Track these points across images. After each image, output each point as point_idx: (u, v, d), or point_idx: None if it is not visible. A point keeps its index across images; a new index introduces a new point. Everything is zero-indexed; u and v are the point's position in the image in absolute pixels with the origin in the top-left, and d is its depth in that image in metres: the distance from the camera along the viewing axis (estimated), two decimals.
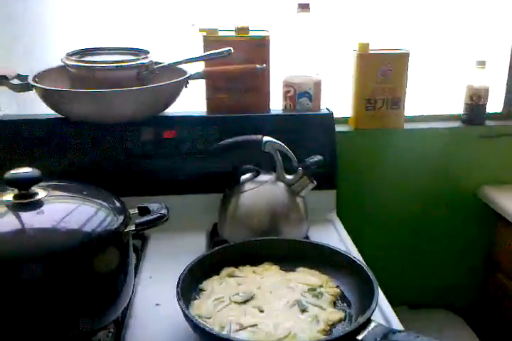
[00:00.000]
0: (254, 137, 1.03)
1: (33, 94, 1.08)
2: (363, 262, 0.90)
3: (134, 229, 0.75)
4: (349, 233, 1.13)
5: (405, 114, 1.33)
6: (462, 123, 1.39)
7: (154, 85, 1.05)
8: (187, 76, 1.11)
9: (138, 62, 1.08)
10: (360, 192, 1.37)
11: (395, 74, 1.28)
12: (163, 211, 0.79)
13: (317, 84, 1.24)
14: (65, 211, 0.74)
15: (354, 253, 1.04)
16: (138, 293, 0.91)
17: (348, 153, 1.30)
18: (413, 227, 1.44)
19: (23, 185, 0.73)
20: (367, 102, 1.30)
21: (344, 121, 1.36)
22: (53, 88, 1.05)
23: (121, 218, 0.75)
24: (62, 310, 0.69)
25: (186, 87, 1.13)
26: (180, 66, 1.15)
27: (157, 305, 0.86)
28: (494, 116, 1.42)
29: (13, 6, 1.21)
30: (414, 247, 1.46)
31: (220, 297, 0.82)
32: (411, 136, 1.36)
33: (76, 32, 1.24)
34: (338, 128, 1.31)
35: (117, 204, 0.79)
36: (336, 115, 1.23)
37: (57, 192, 0.78)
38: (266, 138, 1.02)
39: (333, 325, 0.78)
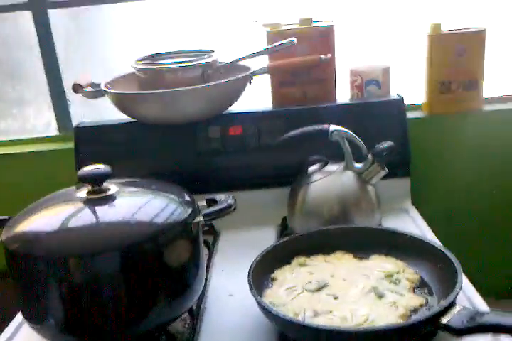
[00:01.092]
0: (320, 126, 1.01)
1: (107, 104, 1.13)
2: (442, 247, 0.86)
3: (202, 219, 0.77)
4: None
5: (484, 96, 1.26)
6: None
7: (218, 82, 1.07)
8: (251, 72, 1.12)
9: (202, 61, 1.11)
10: (435, 179, 1.30)
11: (471, 53, 1.21)
12: (230, 201, 0.80)
13: (385, 71, 1.20)
14: (134, 204, 0.77)
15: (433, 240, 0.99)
16: (211, 285, 0.92)
17: (421, 140, 1.24)
18: (493, 216, 1.34)
19: (96, 181, 0.76)
20: (441, 85, 1.25)
21: (417, 107, 1.31)
22: (124, 92, 1.10)
23: (189, 210, 0.76)
24: (135, 299, 0.71)
25: (250, 83, 1.14)
26: (244, 63, 1.15)
27: (230, 295, 0.87)
28: None
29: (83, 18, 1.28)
30: (494, 235, 1.36)
31: (293, 286, 0.81)
32: (490, 118, 1.28)
33: (143, 39, 1.29)
34: (411, 114, 1.27)
35: (186, 197, 0.81)
36: (407, 102, 1.19)
37: (128, 187, 0.81)
38: (332, 127, 1.00)
39: (414, 311, 0.75)
